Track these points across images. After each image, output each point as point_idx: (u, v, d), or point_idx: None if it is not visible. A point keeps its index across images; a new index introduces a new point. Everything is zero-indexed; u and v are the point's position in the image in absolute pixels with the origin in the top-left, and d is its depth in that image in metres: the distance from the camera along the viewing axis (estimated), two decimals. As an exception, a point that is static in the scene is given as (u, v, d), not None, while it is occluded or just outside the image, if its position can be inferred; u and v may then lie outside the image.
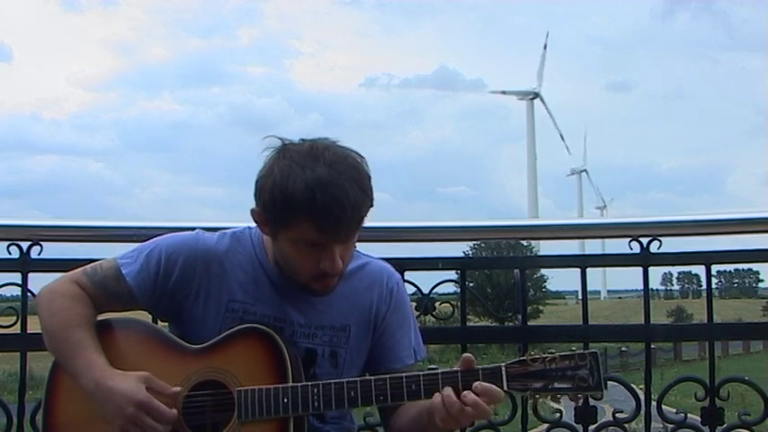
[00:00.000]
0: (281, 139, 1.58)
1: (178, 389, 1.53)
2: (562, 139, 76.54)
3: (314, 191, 1.46)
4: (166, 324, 1.75)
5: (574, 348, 1.53)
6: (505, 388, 1.49)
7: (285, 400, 1.52)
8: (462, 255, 4.06)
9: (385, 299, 1.72)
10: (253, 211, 1.59)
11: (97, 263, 1.69)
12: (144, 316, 1.73)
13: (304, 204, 1.47)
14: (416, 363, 1.75)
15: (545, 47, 75.68)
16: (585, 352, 1.50)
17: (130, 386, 1.50)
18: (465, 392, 1.47)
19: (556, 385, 1.49)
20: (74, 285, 1.64)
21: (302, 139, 1.58)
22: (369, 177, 1.55)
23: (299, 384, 1.54)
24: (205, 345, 1.60)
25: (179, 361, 1.60)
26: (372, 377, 1.55)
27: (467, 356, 1.52)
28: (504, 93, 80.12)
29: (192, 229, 1.72)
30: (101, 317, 1.66)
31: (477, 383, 1.47)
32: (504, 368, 1.49)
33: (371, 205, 1.56)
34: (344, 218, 1.49)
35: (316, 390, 1.53)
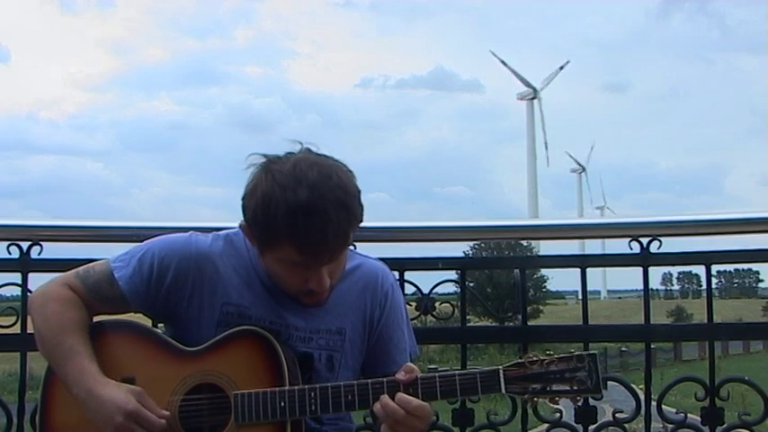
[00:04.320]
0: (264, 156, 1.55)
1: (167, 413, 1.53)
2: (546, 148, 75.40)
3: (295, 216, 1.44)
4: (162, 325, 1.75)
5: (573, 350, 1.53)
6: (503, 391, 1.49)
7: (282, 404, 1.52)
8: (462, 255, 4.06)
9: (380, 302, 1.71)
10: (240, 226, 1.58)
11: (90, 265, 1.67)
12: (140, 318, 1.72)
13: (286, 230, 1.46)
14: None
15: (503, 63, 74.83)
16: (584, 354, 1.50)
17: (120, 396, 1.50)
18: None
19: (554, 387, 1.49)
20: (66, 289, 1.63)
21: (288, 153, 1.54)
22: (356, 194, 1.52)
23: (296, 388, 1.53)
24: (201, 347, 1.59)
25: (174, 363, 1.59)
26: (370, 380, 1.54)
27: (410, 367, 1.51)
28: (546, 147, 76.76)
29: (192, 229, 1.71)
30: (95, 318, 1.65)
31: (400, 395, 1.47)
32: (501, 371, 1.49)
33: (360, 220, 1.54)
34: (328, 242, 1.48)
35: (313, 393, 1.52)
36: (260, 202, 1.48)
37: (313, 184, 1.46)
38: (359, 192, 1.54)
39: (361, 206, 1.54)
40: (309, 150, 1.56)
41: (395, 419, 1.48)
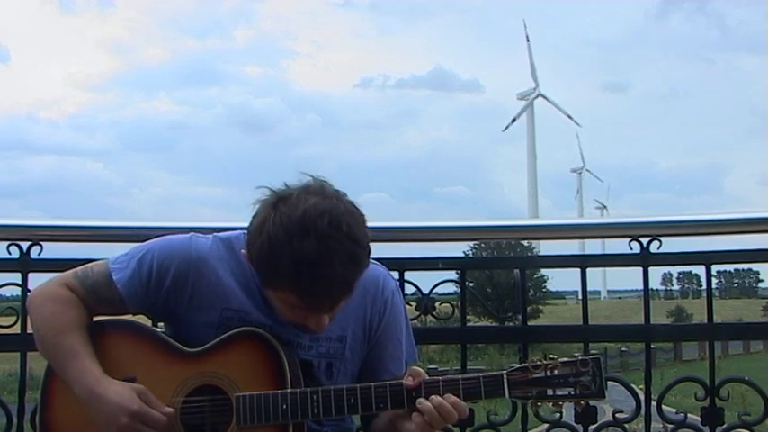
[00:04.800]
0: (273, 191, 1.51)
1: (171, 410, 1.52)
2: (570, 117, 76.58)
3: (299, 269, 1.42)
4: (162, 324, 1.74)
5: (577, 353, 1.53)
6: (507, 396, 1.49)
7: (284, 407, 1.51)
8: (462, 255, 4.06)
9: (379, 309, 1.69)
10: (244, 255, 1.55)
11: (89, 265, 1.66)
12: (140, 317, 1.71)
13: (289, 278, 1.44)
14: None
15: (527, 38, 75.82)
16: (588, 358, 1.50)
17: (124, 396, 1.49)
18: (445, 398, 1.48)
19: (557, 392, 1.49)
20: (65, 288, 1.62)
21: (300, 190, 1.48)
22: (365, 244, 1.48)
23: (298, 391, 1.53)
24: (202, 348, 1.59)
25: (175, 364, 1.58)
26: (373, 384, 1.54)
27: (417, 371, 1.52)
28: (513, 121, 78.54)
29: (192, 229, 1.71)
30: (95, 318, 1.64)
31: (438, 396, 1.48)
32: (505, 376, 1.49)
33: (368, 262, 1.52)
34: (330, 295, 1.47)
35: (315, 396, 1.52)
36: (265, 244, 1.45)
37: (322, 235, 1.42)
38: (368, 239, 1.50)
39: (369, 252, 1.51)
40: (322, 187, 1.51)
41: (443, 419, 1.47)
